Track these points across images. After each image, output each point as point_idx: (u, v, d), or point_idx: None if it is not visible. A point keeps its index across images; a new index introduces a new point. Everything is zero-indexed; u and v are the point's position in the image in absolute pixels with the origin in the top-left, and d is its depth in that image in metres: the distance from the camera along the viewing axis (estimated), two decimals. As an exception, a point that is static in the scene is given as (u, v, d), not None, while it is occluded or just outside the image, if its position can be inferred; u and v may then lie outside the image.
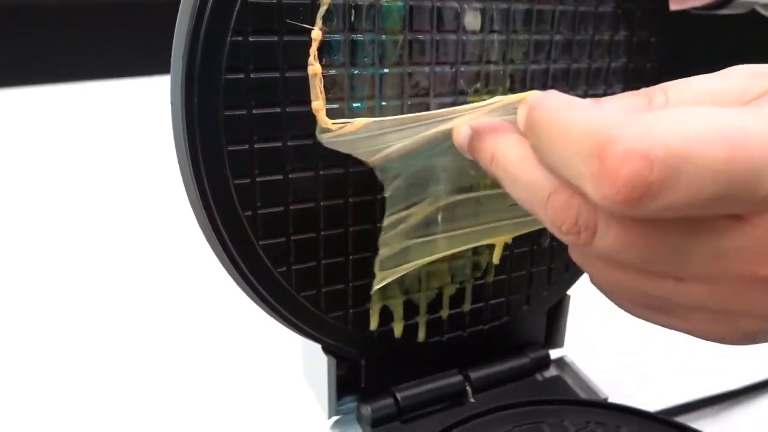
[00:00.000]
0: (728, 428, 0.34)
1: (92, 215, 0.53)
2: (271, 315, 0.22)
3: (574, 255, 0.18)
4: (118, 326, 0.39)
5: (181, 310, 0.41)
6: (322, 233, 0.22)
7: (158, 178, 0.50)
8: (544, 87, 0.24)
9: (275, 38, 0.19)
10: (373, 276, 0.23)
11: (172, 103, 0.19)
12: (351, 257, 0.23)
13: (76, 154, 0.65)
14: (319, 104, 0.20)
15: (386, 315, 0.24)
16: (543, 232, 0.27)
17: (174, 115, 0.19)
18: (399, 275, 0.22)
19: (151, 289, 0.43)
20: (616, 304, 0.18)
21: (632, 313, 0.18)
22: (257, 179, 0.20)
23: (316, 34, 0.20)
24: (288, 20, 0.19)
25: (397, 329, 0.25)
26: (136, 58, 0.77)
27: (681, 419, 0.33)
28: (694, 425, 0.24)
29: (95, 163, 0.63)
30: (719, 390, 0.35)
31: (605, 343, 0.39)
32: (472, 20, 0.22)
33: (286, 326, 0.23)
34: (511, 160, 0.17)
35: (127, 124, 0.70)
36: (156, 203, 0.52)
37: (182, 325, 0.39)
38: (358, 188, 0.22)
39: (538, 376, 0.29)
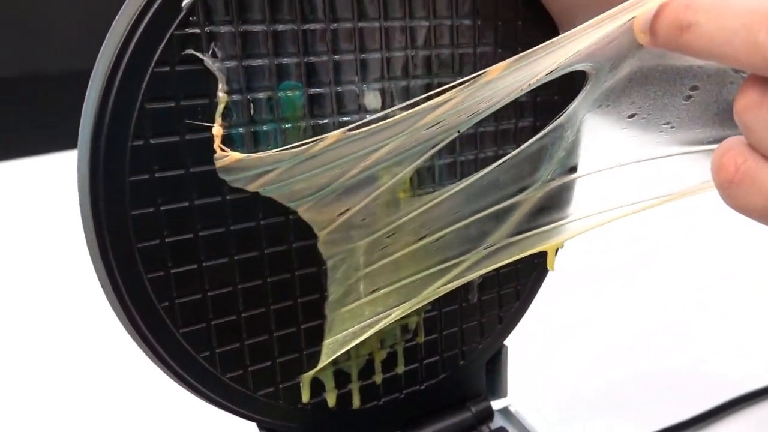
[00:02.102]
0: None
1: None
2: (199, 398, 0.23)
3: None
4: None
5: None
6: (242, 315, 0.23)
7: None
8: (452, 159, 0.25)
9: (177, 138, 0.20)
10: (298, 349, 0.24)
11: (80, 205, 0.20)
12: (275, 335, 0.23)
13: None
14: (217, 129, 0.20)
15: (318, 386, 0.25)
16: (470, 287, 0.28)
17: (83, 217, 0.20)
18: (348, 347, 0.23)
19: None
20: None
21: None
22: (171, 271, 0.21)
23: (217, 130, 0.21)
24: (187, 121, 0.20)
25: (331, 399, 0.25)
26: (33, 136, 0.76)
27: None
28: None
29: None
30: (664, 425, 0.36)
31: (549, 388, 0.39)
32: (372, 100, 0.23)
33: (217, 407, 0.23)
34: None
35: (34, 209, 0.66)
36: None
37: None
38: (276, 268, 0.23)
39: (484, 428, 0.29)
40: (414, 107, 0.19)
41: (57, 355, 0.44)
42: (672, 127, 0.20)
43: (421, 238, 0.23)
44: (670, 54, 0.18)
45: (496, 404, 0.30)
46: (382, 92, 0.24)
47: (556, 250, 0.25)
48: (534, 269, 0.29)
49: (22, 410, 0.39)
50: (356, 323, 0.24)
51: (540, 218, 0.23)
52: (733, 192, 0.17)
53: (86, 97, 0.19)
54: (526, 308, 0.30)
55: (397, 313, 0.24)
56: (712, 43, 0.16)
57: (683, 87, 0.19)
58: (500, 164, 0.23)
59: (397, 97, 0.24)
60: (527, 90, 0.20)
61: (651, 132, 0.21)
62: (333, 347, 0.24)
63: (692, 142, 0.21)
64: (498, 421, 0.30)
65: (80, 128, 0.19)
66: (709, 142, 0.20)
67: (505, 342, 0.30)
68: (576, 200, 0.24)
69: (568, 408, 0.38)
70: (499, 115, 0.26)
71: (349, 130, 0.20)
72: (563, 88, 0.25)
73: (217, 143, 0.21)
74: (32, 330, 0.47)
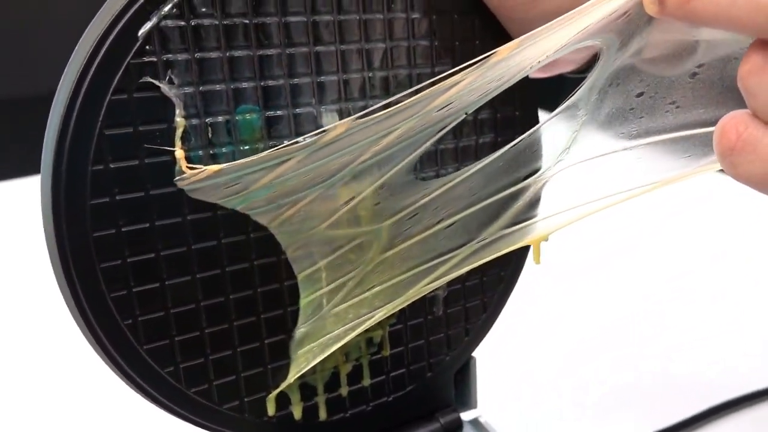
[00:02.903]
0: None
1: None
2: (167, 412, 0.24)
3: None
4: None
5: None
6: (205, 331, 0.23)
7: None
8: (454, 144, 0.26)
9: (136, 162, 0.21)
10: (262, 363, 0.24)
11: (44, 226, 0.21)
12: (238, 349, 0.24)
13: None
14: (180, 152, 0.21)
15: (284, 399, 0.25)
16: (435, 300, 0.28)
17: (47, 238, 0.21)
18: (329, 351, 0.24)
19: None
20: None
21: None
22: (134, 290, 0.22)
23: (179, 153, 0.21)
24: (146, 145, 0.21)
25: (297, 412, 0.26)
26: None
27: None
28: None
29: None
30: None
31: (519, 399, 0.40)
32: (330, 121, 0.24)
33: (184, 421, 0.24)
34: None
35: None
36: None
37: None
38: (239, 285, 0.23)
39: (453, 440, 0.30)
40: (419, 92, 0.19)
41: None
42: (677, 107, 0.21)
43: (438, 222, 0.22)
44: (677, 28, 0.19)
45: (466, 416, 0.30)
46: (340, 113, 0.24)
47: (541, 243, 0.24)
48: (500, 282, 0.30)
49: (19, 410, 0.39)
50: (339, 326, 0.24)
51: (539, 207, 0.23)
52: (735, 160, 0.17)
53: (48, 122, 0.20)
54: (494, 320, 0.30)
55: (381, 314, 0.23)
56: (718, 8, 0.16)
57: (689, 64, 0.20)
58: (517, 143, 0.22)
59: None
60: (537, 67, 0.20)
61: (657, 112, 0.21)
62: (309, 355, 0.24)
63: (696, 124, 0.21)
64: (468, 432, 0.30)
65: (43, 152, 0.20)
66: (712, 124, 0.19)
67: (474, 353, 0.30)
68: (577, 186, 0.23)
69: (539, 418, 0.38)
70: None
71: (359, 117, 0.19)
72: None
73: (183, 164, 0.21)
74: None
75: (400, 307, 0.24)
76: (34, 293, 0.54)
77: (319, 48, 0.23)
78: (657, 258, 0.58)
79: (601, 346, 0.45)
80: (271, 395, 0.25)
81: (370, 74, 0.25)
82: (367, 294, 0.22)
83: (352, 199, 0.22)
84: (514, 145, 0.22)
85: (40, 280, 0.54)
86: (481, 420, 0.31)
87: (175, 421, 0.24)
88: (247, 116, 0.23)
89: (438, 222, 0.22)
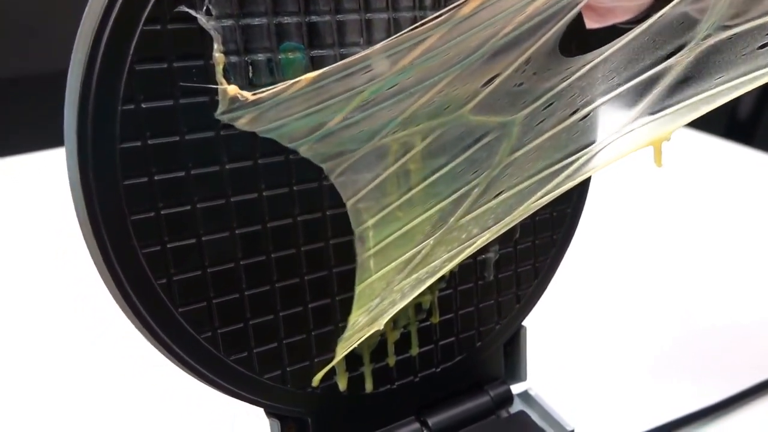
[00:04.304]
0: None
1: None
2: (202, 382, 0.22)
3: None
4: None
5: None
6: (246, 293, 0.21)
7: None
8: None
9: (170, 102, 0.19)
10: (305, 329, 0.22)
11: (69, 179, 0.18)
12: (281, 314, 0.22)
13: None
14: (233, 89, 0.19)
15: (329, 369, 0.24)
16: (486, 264, 0.26)
17: (73, 189, 0.18)
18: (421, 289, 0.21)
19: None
20: None
21: None
22: (168, 245, 0.20)
23: (232, 89, 0.19)
24: (181, 83, 0.19)
25: (342, 383, 0.24)
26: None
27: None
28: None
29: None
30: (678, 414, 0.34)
31: (569, 372, 0.38)
32: (377, 63, 0.22)
33: (221, 392, 0.22)
34: None
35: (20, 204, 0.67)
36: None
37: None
38: (281, 243, 0.21)
39: (503, 413, 0.28)
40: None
41: (51, 350, 0.43)
42: None
43: (573, 113, 0.19)
44: None
45: (515, 388, 0.28)
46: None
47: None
48: (553, 245, 0.28)
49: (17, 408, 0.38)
50: (443, 252, 0.21)
51: (678, 93, 0.20)
52: None
53: (72, 56, 0.18)
54: (545, 287, 0.28)
55: (485, 238, 0.20)
56: None
57: None
58: (662, 15, 0.19)
59: (406, 60, 0.22)
60: None
61: None
62: (396, 296, 0.21)
63: None
64: (517, 405, 0.28)
65: (66, 91, 0.18)
66: None
67: (524, 323, 0.28)
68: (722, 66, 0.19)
69: (590, 390, 0.36)
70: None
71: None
72: None
73: (233, 91, 0.19)
74: (26, 324, 0.46)
75: (504, 230, 0.20)
76: (42, 272, 0.52)
77: (367, -19, 0.21)
78: (715, 224, 0.55)
79: (651, 312, 0.43)
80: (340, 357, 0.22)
81: (421, 12, 0.22)
82: (492, 203, 0.20)
83: (496, 77, 0.19)
84: (663, 14, 0.19)
85: (48, 258, 0.54)
86: (532, 393, 0.29)
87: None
88: (291, 55, 0.20)
89: (573, 113, 0.19)
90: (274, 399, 0.23)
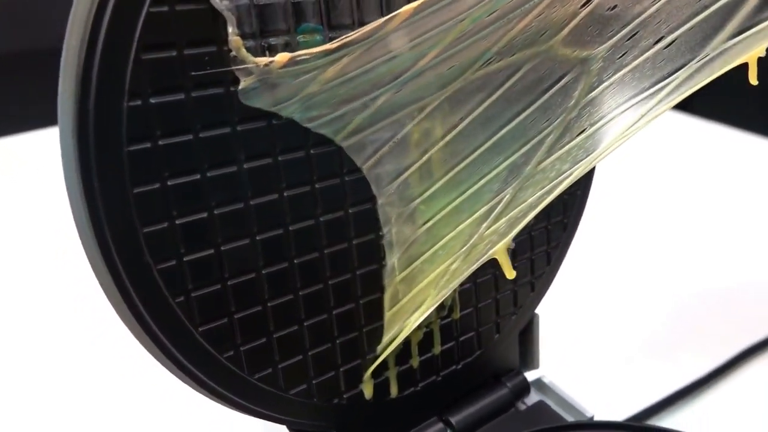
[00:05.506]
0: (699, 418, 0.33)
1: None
2: (224, 405, 0.20)
3: None
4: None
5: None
6: (269, 304, 0.19)
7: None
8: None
9: (181, 96, 0.16)
10: (329, 338, 0.21)
11: (68, 189, 0.16)
12: (305, 324, 0.20)
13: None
14: (237, 40, 0.16)
15: (352, 378, 0.22)
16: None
17: (73, 205, 0.16)
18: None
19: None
20: None
21: None
22: (185, 259, 0.17)
23: (236, 41, 0.16)
24: (193, 73, 0.16)
25: (367, 390, 0.22)
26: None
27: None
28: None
29: None
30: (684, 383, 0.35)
31: (577, 356, 0.37)
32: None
33: (243, 413, 0.20)
34: None
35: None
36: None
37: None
38: (303, 246, 0.19)
39: (521, 405, 0.27)
40: None
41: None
42: None
43: (657, 42, 0.18)
44: None
45: (528, 376, 0.28)
46: (409, 35, 0.20)
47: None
48: (564, 229, 0.27)
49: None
50: (530, 195, 0.19)
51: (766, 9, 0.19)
52: None
53: (64, 46, 0.15)
54: (556, 273, 0.28)
55: (581, 169, 0.19)
56: None
57: None
58: None
59: (426, 41, 0.21)
60: None
61: None
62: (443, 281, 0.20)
63: None
64: (533, 395, 0.28)
65: (59, 87, 0.15)
66: None
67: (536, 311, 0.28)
68: None
69: (605, 373, 0.36)
70: None
71: None
72: None
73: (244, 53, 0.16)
74: (25, 324, 0.43)
75: (616, 148, 0.19)
76: (38, 272, 0.48)
77: (386, -47, 0.19)
78: (720, 202, 0.56)
79: (658, 293, 0.43)
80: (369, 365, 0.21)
81: (439, -12, 0.21)
82: (577, 140, 0.18)
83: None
84: None
85: (42, 250, 0.49)
86: (546, 380, 0.28)
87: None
88: (309, 37, 0.18)
89: (657, 41, 0.18)
90: (300, 415, 0.21)
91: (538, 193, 0.19)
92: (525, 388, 0.27)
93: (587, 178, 0.27)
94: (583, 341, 0.38)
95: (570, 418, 0.27)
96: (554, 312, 0.31)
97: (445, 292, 0.20)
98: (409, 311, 0.21)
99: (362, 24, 0.19)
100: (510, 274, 0.20)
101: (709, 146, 0.69)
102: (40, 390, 0.36)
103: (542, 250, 0.26)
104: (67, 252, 0.47)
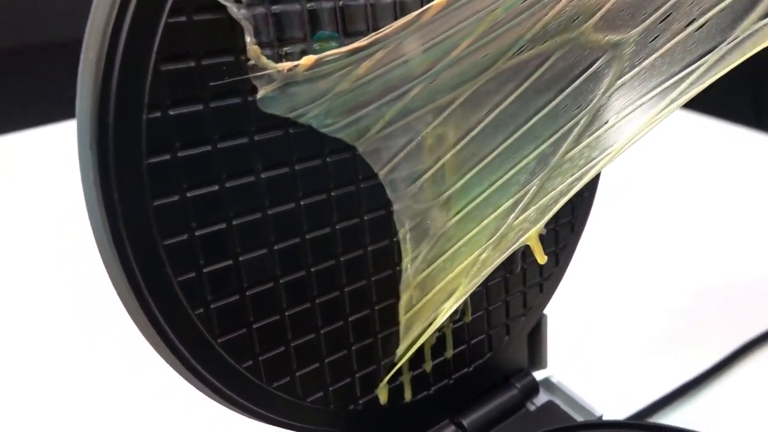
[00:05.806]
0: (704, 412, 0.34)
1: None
2: (241, 414, 0.19)
3: None
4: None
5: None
6: (286, 313, 0.19)
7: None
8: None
9: (200, 107, 0.16)
10: (345, 345, 0.21)
11: (87, 203, 0.16)
12: (322, 331, 0.20)
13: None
14: (255, 49, 0.16)
15: (368, 383, 0.22)
16: (514, 258, 0.25)
17: (92, 218, 0.16)
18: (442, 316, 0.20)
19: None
20: None
21: None
22: (204, 270, 0.17)
23: (254, 50, 0.16)
24: (212, 83, 0.16)
25: (383, 396, 0.22)
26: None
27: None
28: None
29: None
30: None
31: (583, 354, 0.38)
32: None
33: (260, 421, 0.20)
34: None
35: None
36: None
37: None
38: (320, 254, 0.19)
39: (530, 405, 0.27)
40: None
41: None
42: None
43: (689, 24, 0.18)
44: None
45: (536, 376, 0.28)
46: (423, 40, 0.20)
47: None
48: (571, 229, 0.27)
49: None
50: (559, 183, 0.19)
51: None
52: None
53: (82, 57, 0.15)
54: (563, 273, 0.28)
55: (610, 156, 0.18)
56: None
57: None
58: None
59: (438, 46, 0.21)
60: None
61: None
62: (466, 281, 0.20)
63: None
64: (542, 395, 0.28)
65: (77, 100, 0.15)
66: None
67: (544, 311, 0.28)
68: None
69: (612, 371, 0.36)
70: None
71: None
72: None
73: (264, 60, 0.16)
74: (25, 324, 0.43)
75: (646, 134, 0.18)
76: (40, 266, 0.48)
77: (400, -41, 0.19)
78: (719, 198, 0.56)
79: (660, 290, 0.43)
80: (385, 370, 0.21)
81: None
82: (604, 128, 0.18)
83: None
84: None
85: (44, 249, 0.48)
86: (554, 380, 0.28)
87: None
88: (325, 44, 0.18)
89: (689, 24, 0.18)
90: (316, 421, 0.21)
91: (568, 180, 0.19)
92: (534, 388, 0.27)
93: (593, 180, 0.27)
94: (588, 339, 0.39)
95: (579, 418, 0.27)
96: (555, 312, 0.32)
97: (477, 280, 0.20)
98: (426, 315, 0.21)
99: (377, 30, 0.19)
100: (542, 258, 0.21)
101: (703, 140, 0.69)
102: (40, 390, 0.36)
103: (551, 252, 0.27)
104: (66, 251, 0.47)
